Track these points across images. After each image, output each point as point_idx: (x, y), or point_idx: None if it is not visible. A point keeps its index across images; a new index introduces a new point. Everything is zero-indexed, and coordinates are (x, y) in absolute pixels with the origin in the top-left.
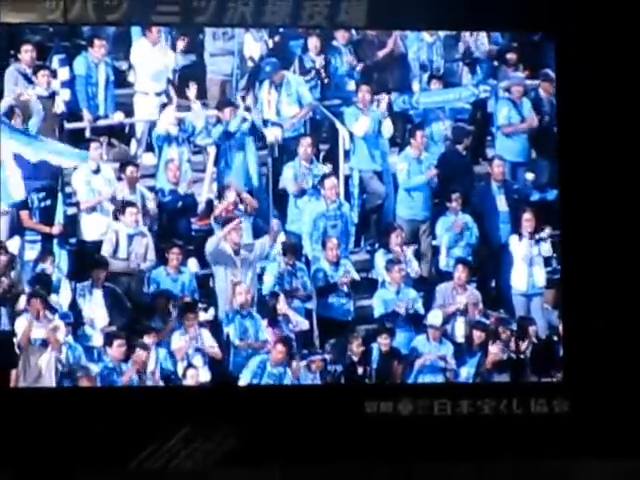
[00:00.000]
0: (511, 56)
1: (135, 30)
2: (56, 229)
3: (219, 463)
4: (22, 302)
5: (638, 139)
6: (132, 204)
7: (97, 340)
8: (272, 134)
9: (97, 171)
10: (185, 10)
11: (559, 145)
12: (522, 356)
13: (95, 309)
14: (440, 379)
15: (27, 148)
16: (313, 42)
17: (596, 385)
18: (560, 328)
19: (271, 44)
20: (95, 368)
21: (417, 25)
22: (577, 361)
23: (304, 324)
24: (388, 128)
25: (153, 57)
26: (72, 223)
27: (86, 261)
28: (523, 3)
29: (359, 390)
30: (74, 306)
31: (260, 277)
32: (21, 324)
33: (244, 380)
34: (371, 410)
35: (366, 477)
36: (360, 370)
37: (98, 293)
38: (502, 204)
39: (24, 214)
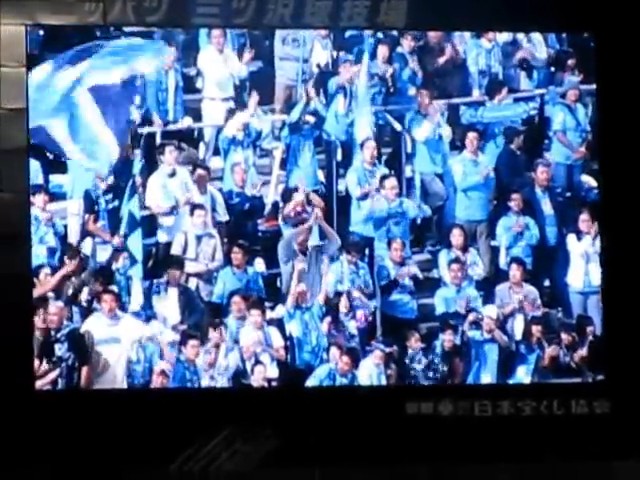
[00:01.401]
0: (568, 61)
1: (202, 37)
2: (117, 240)
3: (260, 465)
4: (94, 301)
5: None
6: (201, 206)
7: (169, 338)
8: (336, 131)
9: (173, 174)
10: (225, 11)
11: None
12: (581, 354)
13: (168, 307)
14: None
15: None
16: (382, 50)
17: (637, 386)
18: None
19: (338, 52)
20: (167, 366)
21: (457, 25)
22: (619, 362)
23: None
24: (447, 133)
25: (220, 63)
26: (148, 224)
27: (160, 261)
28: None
29: (400, 391)
30: (146, 304)
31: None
32: (92, 322)
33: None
34: (412, 411)
35: (408, 478)
36: (421, 367)
37: (173, 292)
38: (547, 207)
39: (89, 218)
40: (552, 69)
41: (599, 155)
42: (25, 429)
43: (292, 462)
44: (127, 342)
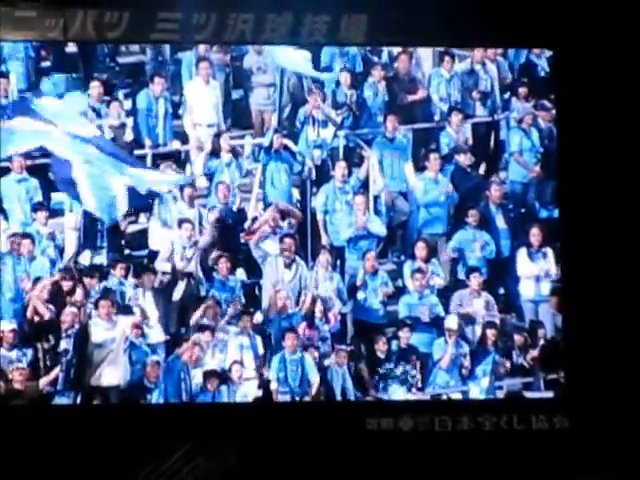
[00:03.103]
0: (520, 89)
1: (188, 69)
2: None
3: None
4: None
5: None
6: (188, 220)
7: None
8: (308, 154)
9: (169, 191)
10: (184, 28)
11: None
12: (533, 354)
13: (150, 310)
14: (456, 376)
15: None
16: (345, 77)
17: (595, 402)
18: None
19: (307, 80)
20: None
21: (415, 42)
22: (577, 379)
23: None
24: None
25: (205, 92)
26: (141, 237)
27: (145, 268)
28: (521, 20)
29: (360, 407)
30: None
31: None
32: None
33: (272, 376)
34: (372, 427)
35: None
36: (383, 365)
37: (149, 295)
38: (501, 222)
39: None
40: (506, 96)
41: (557, 171)
42: None
43: (252, 478)
44: (121, 338)
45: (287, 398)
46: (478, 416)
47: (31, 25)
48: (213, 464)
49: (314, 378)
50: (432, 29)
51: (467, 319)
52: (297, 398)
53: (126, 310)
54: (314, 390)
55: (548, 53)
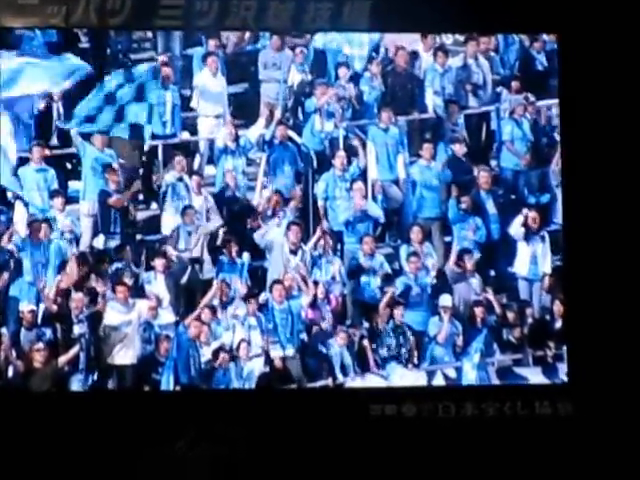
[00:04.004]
0: (512, 83)
1: (197, 62)
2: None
3: (223, 465)
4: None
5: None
6: (191, 207)
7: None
8: (312, 144)
9: (180, 179)
10: (187, 14)
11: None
12: (521, 331)
13: (161, 290)
14: (450, 353)
15: None
16: (344, 72)
17: (600, 388)
18: (554, 310)
19: (310, 75)
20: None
21: (417, 28)
22: (581, 364)
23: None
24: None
25: (213, 85)
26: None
27: (153, 252)
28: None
29: (364, 393)
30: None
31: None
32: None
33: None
34: (376, 413)
35: None
36: (380, 342)
37: (161, 278)
38: (491, 207)
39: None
40: (497, 89)
41: (561, 157)
42: None
43: (255, 464)
44: (137, 321)
45: (279, 351)
46: (482, 402)
47: (33, 12)
48: (219, 450)
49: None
50: (435, 15)
51: (461, 299)
52: (288, 351)
53: (141, 294)
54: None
55: (549, 46)
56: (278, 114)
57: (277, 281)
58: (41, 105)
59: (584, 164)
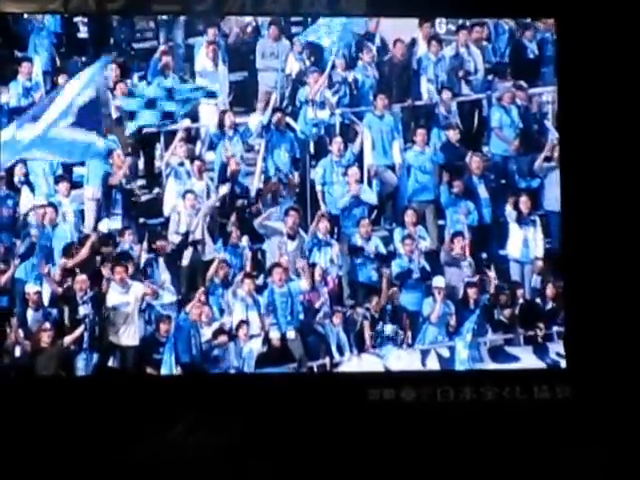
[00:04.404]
0: (503, 70)
1: (197, 49)
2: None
3: (222, 453)
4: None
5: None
6: (192, 191)
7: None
8: (308, 131)
9: (182, 164)
10: None
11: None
12: (512, 311)
13: (164, 274)
14: (444, 332)
15: None
16: (340, 62)
17: (599, 371)
18: (547, 291)
19: (307, 62)
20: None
21: (415, 12)
22: (580, 348)
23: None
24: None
25: (213, 73)
26: (155, 204)
27: (158, 235)
28: None
29: (362, 378)
30: (147, 273)
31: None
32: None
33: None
34: (374, 398)
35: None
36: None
37: (161, 260)
38: (483, 191)
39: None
40: (489, 77)
41: (560, 146)
42: None
43: (253, 450)
44: (135, 303)
45: (277, 333)
46: (480, 386)
47: None
48: (216, 436)
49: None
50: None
51: (453, 280)
52: (287, 332)
53: (141, 275)
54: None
55: (540, 35)
56: (273, 101)
57: (277, 264)
58: None
59: (582, 149)
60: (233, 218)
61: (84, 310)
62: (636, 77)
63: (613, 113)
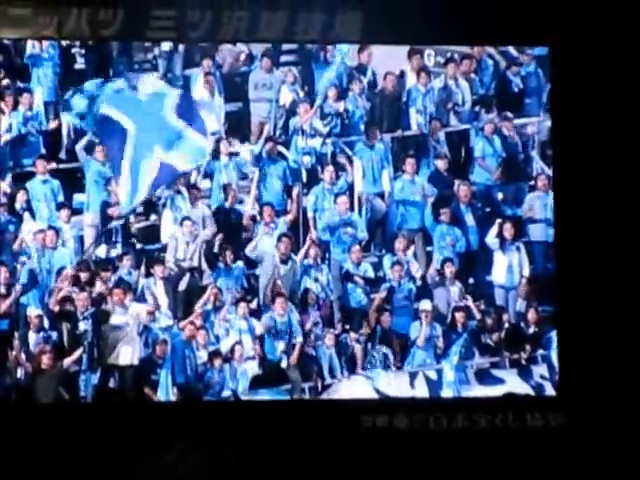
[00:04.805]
0: (489, 102)
1: (194, 81)
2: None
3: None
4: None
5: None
6: (189, 218)
7: (166, 323)
8: (300, 160)
9: (179, 192)
10: (180, 26)
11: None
12: (498, 336)
13: (161, 298)
14: (431, 355)
15: None
16: (332, 92)
17: (591, 399)
18: (528, 316)
19: (301, 94)
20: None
21: (409, 40)
22: (572, 375)
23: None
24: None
25: (210, 103)
26: (153, 232)
27: (156, 260)
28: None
29: (355, 404)
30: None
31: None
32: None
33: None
34: (367, 424)
35: None
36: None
37: (160, 284)
38: (470, 219)
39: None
40: (476, 109)
41: (553, 164)
42: None
43: (247, 475)
44: (134, 325)
45: (273, 356)
46: (473, 414)
47: (25, 23)
48: (210, 461)
49: (299, 339)
50: (426, 27)
51: (440, 303)
52: (281, 354)
53: (139, 298)
54: (296, 352)
55: (524, 71)
56: (266, 131)
57: (279, 294)
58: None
59: (576, 172)
60: (227, 244)
61: (84, 326)
62: (629, 104)
63: (606, 139)
